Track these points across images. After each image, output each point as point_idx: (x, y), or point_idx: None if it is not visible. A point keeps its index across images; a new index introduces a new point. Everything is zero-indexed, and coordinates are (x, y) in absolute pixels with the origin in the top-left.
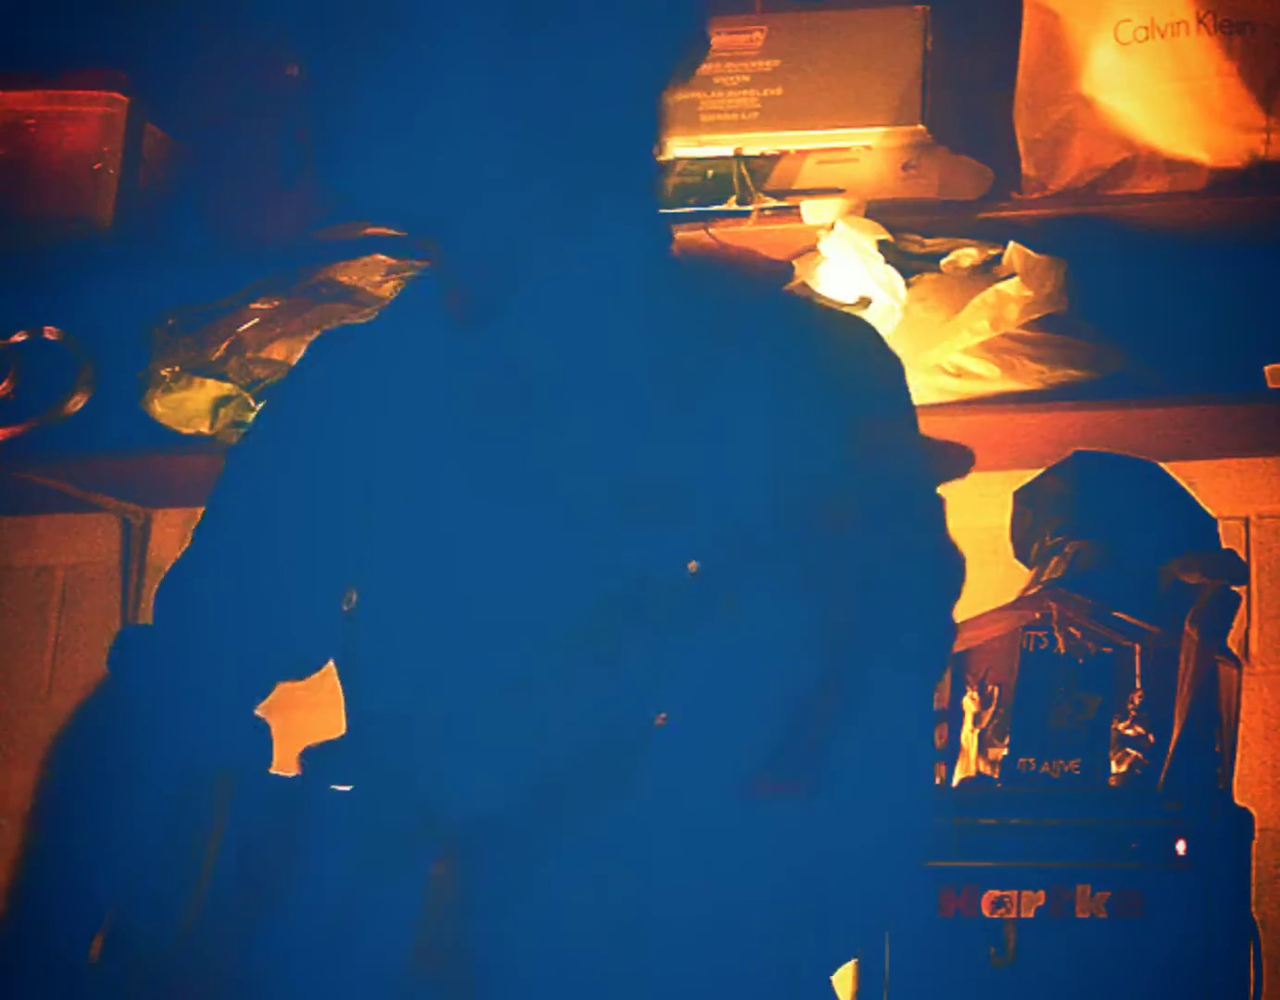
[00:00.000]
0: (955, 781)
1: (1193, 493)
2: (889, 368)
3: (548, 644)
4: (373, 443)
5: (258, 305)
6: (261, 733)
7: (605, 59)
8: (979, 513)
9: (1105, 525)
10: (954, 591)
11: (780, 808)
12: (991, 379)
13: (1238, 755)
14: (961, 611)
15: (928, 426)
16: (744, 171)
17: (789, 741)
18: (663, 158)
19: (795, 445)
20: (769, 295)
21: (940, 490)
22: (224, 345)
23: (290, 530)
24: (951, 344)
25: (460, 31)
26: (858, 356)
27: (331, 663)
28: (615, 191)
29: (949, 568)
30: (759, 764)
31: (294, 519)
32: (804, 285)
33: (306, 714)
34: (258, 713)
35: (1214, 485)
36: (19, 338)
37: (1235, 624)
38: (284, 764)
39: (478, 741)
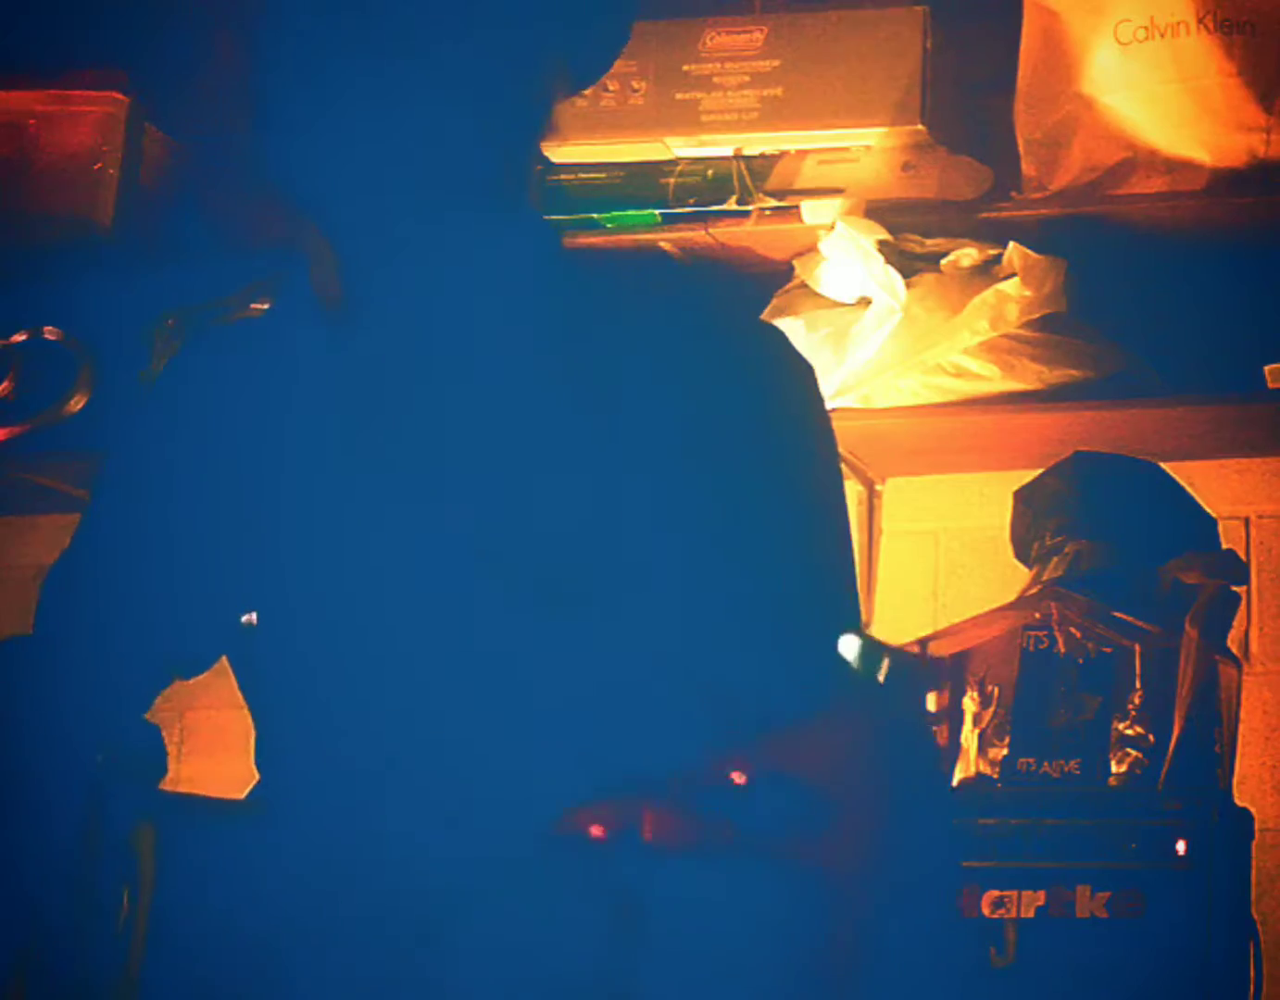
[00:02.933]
0: (955, 781)
1: (1193, 493)
2: (799, 383)
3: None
4: (253, 445)
5: (257, 305)
6: (153, 737)
7: (506, 58)
8: (979, 513)
9: (1105, 525)
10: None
11: None
12: (991, 379)
13: (1238, 755)
14: (962, 612)
15: (928, 426)
16: (744, 171)
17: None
18: (543, 161)
19: (685, 458)
20: (666, 297)
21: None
22: None
23: (174, 537)
24: (951, 344)
25: (359, 14)
26: (764, 370)
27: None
28: (499, 189)
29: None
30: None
31: (178, 524)
32: (803, 285)
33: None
34: (149, 717)
35: (1214, 485)
36: (19, 338)
37: (1235, 624)
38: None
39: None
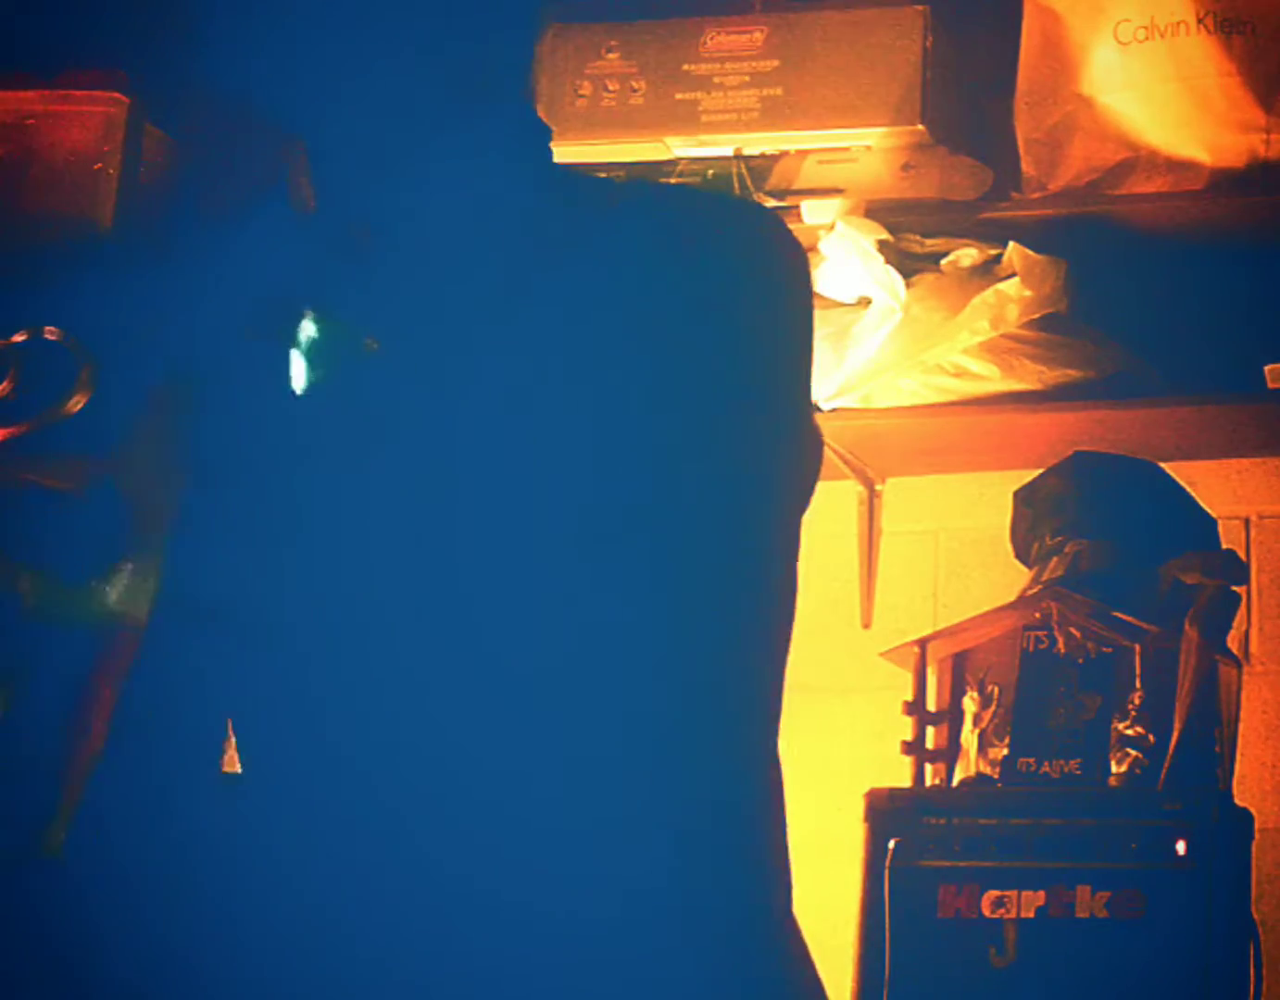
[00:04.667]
0: (955, 781)
1: (1193, 493)
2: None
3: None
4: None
5: None
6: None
7: None
8: (979, 513)
9: (1105, 525)
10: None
11: None
12: (991, 379)
13: (1238, 755)
14: (962, 612)
15: (928, 426)
16: (744, 171)
17: None
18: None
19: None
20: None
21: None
22: None
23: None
24: (951, 344)
25: None
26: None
27: None
28: (489, 95)
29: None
30: None
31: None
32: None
33: None
34: None
35: (1214, 485)
36: (19, 338)
37: (1235, 624)
38: None
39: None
